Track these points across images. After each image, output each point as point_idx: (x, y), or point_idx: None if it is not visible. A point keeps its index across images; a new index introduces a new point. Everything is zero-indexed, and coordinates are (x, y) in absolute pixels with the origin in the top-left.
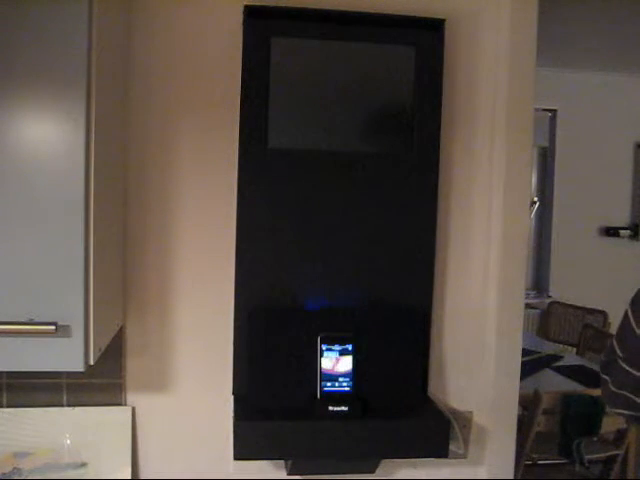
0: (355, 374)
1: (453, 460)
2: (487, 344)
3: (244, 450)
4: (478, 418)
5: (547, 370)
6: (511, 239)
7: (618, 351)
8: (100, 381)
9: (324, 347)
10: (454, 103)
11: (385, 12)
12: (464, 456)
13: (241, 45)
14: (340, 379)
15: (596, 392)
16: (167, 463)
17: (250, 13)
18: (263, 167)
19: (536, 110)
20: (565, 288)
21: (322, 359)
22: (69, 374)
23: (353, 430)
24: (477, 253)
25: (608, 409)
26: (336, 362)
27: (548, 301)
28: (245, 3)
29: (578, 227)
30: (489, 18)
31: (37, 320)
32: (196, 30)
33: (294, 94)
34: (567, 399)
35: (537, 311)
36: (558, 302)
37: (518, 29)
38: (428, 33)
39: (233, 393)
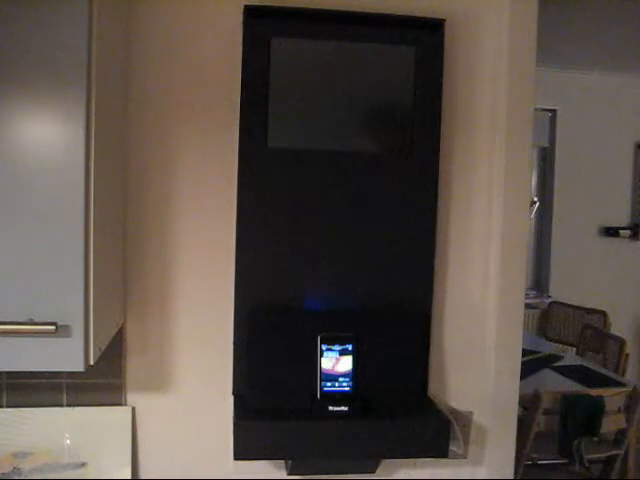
0: (355, 374)
1: (453, 460)
2: (487, 344)
3: (244, 450)
4: (478, 418)
5: (547, 370)
6: (511, 239)
7: None
8: (100, 381)
9: (324, 347)
10: (454, 103)
11: (385, 12)
12: (464, 456)
13: (241, 45)
14: (340, 379)
15: (596, 392)
16: (167, 463)
17: (250, 13)
18: (263, 167)
19: (536, 110)
20: (565, 288)
21: (322, 359)
22: (69, 374)
23: (353, 430)
24: (477, 253)
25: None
26: (336, 362)
27: (548, 301)
28: (245, 3)
29: (578, 227)
30: (489, 18)
31: (37, 320)
32: (196, 30)
33: (294, 94)
34: (567, 399)
35: (537, 311)
36: (558, 302)
37: (518, 29)
38: (428, 33)
39: (233, 393)
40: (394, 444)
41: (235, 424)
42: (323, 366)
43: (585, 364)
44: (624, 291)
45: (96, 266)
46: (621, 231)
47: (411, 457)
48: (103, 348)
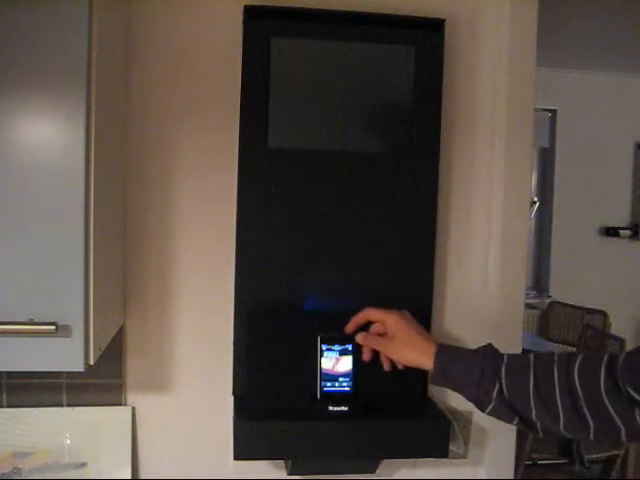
0: (355, 374)
1: (453, 460)
2: None
3: (244, 450)
4: (478, 418)
5: None
6: (511, 239)
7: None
8: (100, 381)
9: (324, 347)
10: (454, 103)
11: (385, 12)
12: (464, 456)
13: (241, 45)
14: (340, 379)
15: None
16: (167, 463)
17: (250, 13)
18: (263, 167)
19: (536, 110)
20: (565, 288)
21: (322, 359)
22: (69, 374)
23: (353, 430)
24: (477, 253)
25: None
26: (336, 362)
27: (548, 301)
28: (245, 3)
29: (578, 227)
30: (489, 18)
31: (37, 320)
32: (196, 30)
33: (294, 94)
34: None
35: (537, 311)
36: (558, 302)
37: (518, 29)
38: (428, 33)
39: (233, 393)
40: (394, 444)
41: (235, 424)
42: (323, 366)
43: None
44: (624, 291)
45: (96, 266)
46: (621, 231)
47: (411, 457)
48: (103, 348)
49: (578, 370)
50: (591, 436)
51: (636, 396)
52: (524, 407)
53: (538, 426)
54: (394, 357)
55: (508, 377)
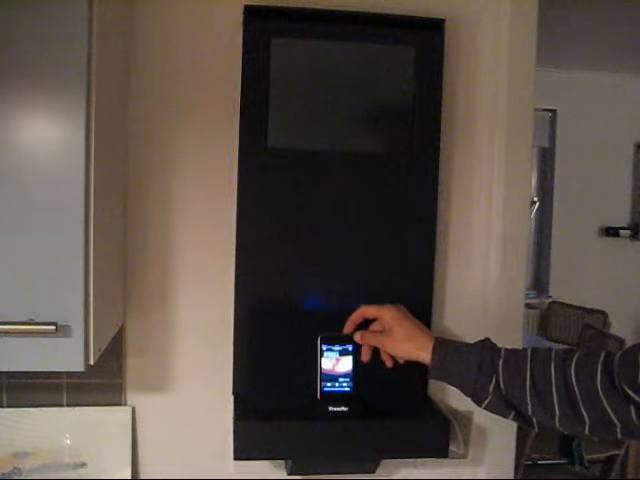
0: (355, 374)
1: (453, 460)
2: None
3: (244, 450)
4: (478, 418)
5: None
6: (511, 239)
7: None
8: (100, 381)
9: (324, 347)
10: (454, 103)
11: (385, 12)
12: (464, 456)
13: (241, 45)
14: (340, 379)
15: None
16: (167, 463)
17: (250, 13)
18: (263, 167)
19: (536, 110)
20: (565, 288)
21: (322, 359)
22: (69, 374)
23: (353, 430)
24: (477, 253)
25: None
26: (336, 362)
27: (548, 301)
28: (245, 3)
29: (578, 227)
30: (489, 18)
31: (37, 320)
32: (196, 30)
33: (294, 94)
34: None
35: (537, 311)
36: (558, 302)
37: (518, 29)
38: (428, 33)
39: (233, 393)
40: (394, 444)
41: (235, 424)
42: (323, 366)
43: None
44: (624, 291)
45: (96, 266)
46: (621, 231)
47: (411, 457)
48: (103, 348)
49: (575, 366)
50: (586, 432)
51: (632, 393)
52: (520, 402)
53: (534, 421)
54: (392, 351)
55: (505, 372)
